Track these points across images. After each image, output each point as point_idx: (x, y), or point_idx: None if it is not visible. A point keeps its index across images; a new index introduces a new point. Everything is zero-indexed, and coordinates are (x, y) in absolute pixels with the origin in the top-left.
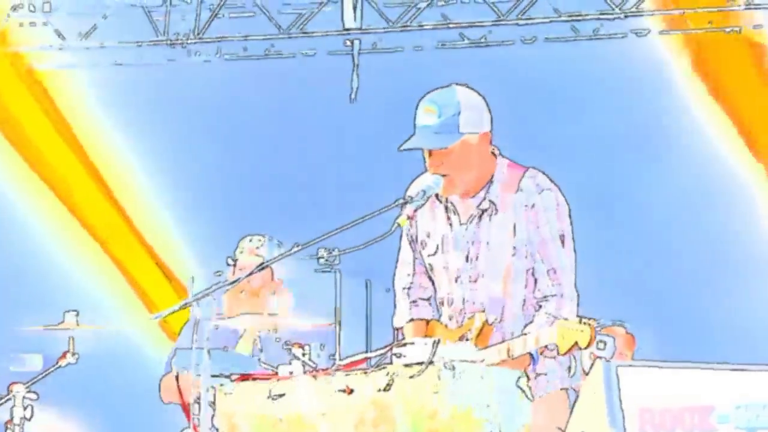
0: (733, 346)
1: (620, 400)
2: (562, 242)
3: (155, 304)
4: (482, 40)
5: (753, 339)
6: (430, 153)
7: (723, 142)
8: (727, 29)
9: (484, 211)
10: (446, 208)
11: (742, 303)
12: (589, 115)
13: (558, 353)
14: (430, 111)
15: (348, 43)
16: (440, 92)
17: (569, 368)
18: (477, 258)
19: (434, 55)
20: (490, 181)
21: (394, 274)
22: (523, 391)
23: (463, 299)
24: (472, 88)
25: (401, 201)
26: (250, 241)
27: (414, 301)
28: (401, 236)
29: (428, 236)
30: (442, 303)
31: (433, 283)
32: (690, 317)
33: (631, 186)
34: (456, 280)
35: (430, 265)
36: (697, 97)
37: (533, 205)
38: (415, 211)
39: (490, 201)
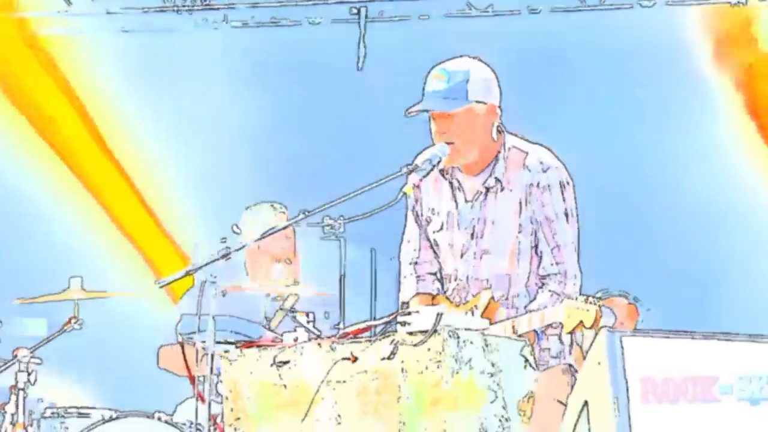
0: (741, 319)
1: (624, 370)
2: (567, 220)
3: (160, 270)
4: (488, 10)
5: (760, 312)
6: (436, 120)
7: (732, 115)
8: (733, 1)
9: (489, 188)
10: (451, 184)
11: (750, 277)
12: (595, 87)
13: (562, 332)
14: (439, 77)
15: (354, 11)
16: (452, 61)
17: (571, 344)
18: (482, 236)
19: (440, 24)
20: (496, 159)
21: (400, 248)
22: (527, 360)
23: (467, 276)
24: (485, 62)
25: (406, 169)
26: (273, 207)
27: (420, 276)
28: (407, 211)
29: (433, 213)
30: (447, 279)
31: (438, 259)
32: (698, 292)
33: (637, 158)
34: (461, 257)
35: (435, 240)
36: (705, 68)
37: (538, 183)
38: (421, 179)
39: (495, 178)
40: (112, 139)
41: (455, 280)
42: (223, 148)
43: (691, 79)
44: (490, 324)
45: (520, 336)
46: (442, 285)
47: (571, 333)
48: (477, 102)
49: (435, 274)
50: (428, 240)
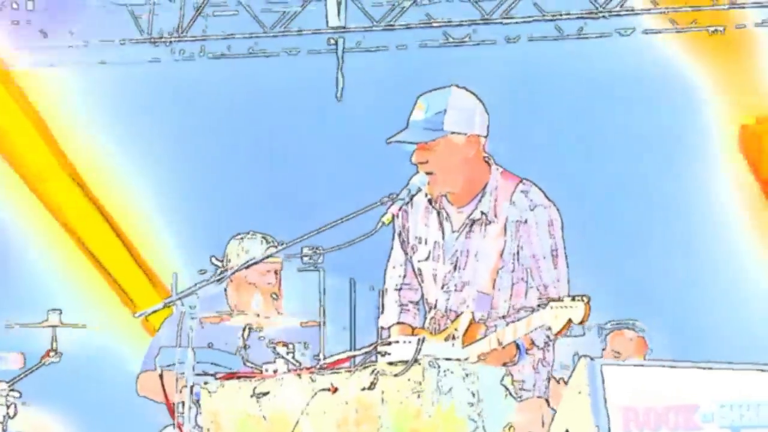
0: (739, 346)
1: (605, 399)
2: (554, 258)
3: (136, 303)
4: (466, 39)
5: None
6: (417, 150)
7: (712, 141)
8: (711, 29)
9: (475, 221)
10: (439, 215)
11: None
12: (574, 115)
13: (553, 333)
14: (420, 107)
15: (332, 41)
16: (436, 91)
17: (548, 379)
18: (464, 267)
19: (418, 54)
20: (483, 191)
21: (385, 272)
22: (508, 389)
23: (446, 307)
24: (473, 93)
25: (386, 199)
26: (265, 239)
27: (404, 304)
28: (393, 236)
29: (419, 242)
30: (428, 308)
31: (421, 286)
32: (698, 318)
33: (617, 185)
34: (443, 288)
35: (419, 269)
36: (683, 95)
37: (525, 221)
38: (400, 209)
39: (481, 212)
40: (88, 172)
41: (435, 308)
42: (201, 179)
43: (671, 105)
44: (474, 341)
45: (504, 347)
46: (425, 315)
47: (559, 334)
48: (454, 133)
49: (417, 303)
50: (413, 267)
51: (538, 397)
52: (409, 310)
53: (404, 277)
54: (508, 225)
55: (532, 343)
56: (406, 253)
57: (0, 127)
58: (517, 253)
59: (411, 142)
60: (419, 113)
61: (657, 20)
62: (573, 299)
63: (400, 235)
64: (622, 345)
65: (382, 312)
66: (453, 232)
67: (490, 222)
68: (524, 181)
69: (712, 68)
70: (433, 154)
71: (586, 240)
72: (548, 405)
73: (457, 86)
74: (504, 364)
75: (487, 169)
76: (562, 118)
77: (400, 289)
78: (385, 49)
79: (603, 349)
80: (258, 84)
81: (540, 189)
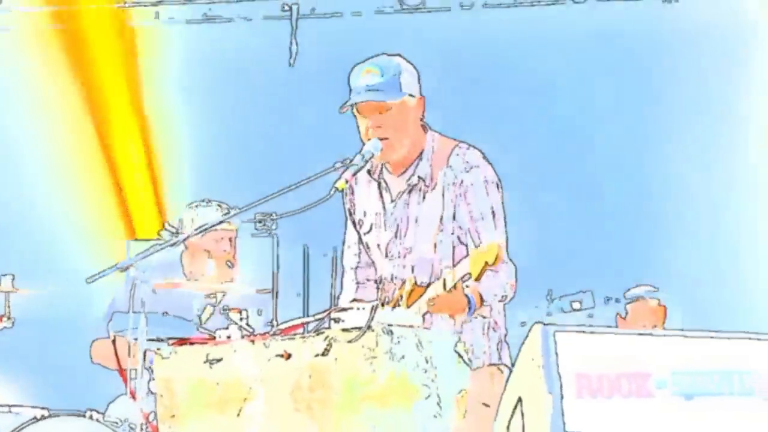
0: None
1: (557, 365)
2: (493, 219)
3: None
4: (420, 6)
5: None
6: (369, 116)
7: (677, 105)
8: None
9: (413, 186)
10: (379, 185)
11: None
12: (529, 83)
13: (473, 279)
14: (371, 71)
15: (286, 7)
16: (378, 58)
17: (498, 343)
18: (405, 234)
19: (372, 21)
20: (420, 157)
21: (342, 253)
22: (461, 356)
23: (393, 275)
24: (406, 59)
25: (339, 164)
26: (219, 206)
27: (361, 282)
28: (346, 218)
29: (364, 215)
30: (379, 281)
31: (374, 262)
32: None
33: (573, 155)
34: (387, 256)
35: (367, 243)
36: (638, 61)
37: (461, 182)
38: (353, 174)
39: (418, 177)
40: (42, 124)
41: (385, 280)
42: (154, 145)
43: (626, 74)
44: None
45: (450, 291)
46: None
47: (478, 279)
48: (409, 95)
49: (376, 281)
50: (363, 243)
51: (490, 364)
52: (366, 287)
53: (359, 255)
54: (446, 188)
55: (482, 299)
56: (358, 232)
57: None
58: (455, 215)
59: (371, 103)
60: (372, 77)
61: None
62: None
63: (350, 214)
64: (645, 315)
65: (341, 292)
66: (392, 201)
67: (428, 186)
68: (460, 144)
69: (664, 36)
70: (388, 117)
71: (581, 211)
72: (500, 372)
73: (387, 54)
74: (455, 315)
75: (424, 134)
76: (517, 85)
77: (356, 268)
78: (339, 15)
79: (624, 318)
80: (212, 50)
81: (478, 150)
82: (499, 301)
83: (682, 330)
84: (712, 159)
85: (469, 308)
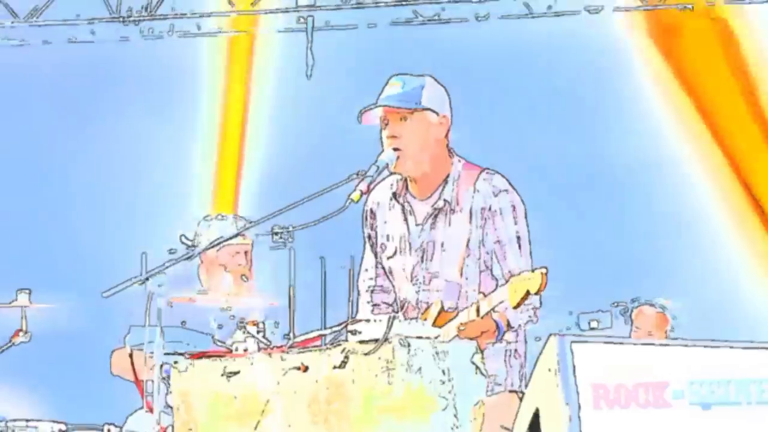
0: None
1: (574, 376)
2: (519, 244)
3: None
4: (435, 17)
5: None
6: (389, 124)
7: (678, 119)
8: (679, 6)
9: (438, 210)
10: (403, 208)
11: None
12: (544, 94)
13: (511, 306)
14: (394, 84)
15: (302, 20)
16: (410, 75)
17: (520, 370)
18: (431, 259)
19: (388, 33)
20: (445, 181)
21: (358, 274)
22: (478, 368)
23: (418, 299)
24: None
25: (354, 176)
26: (235, 220)
27: (377, 304)
28: (364, 238)
29: (387, 239)
30: (401, 305)
31: (393, 286)
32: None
33: (588, 165)
34: (412, 281)
35: (389, 267)
36: (652, 75)
37: (489, 207)
38: (369, 185)
39: (444, 200)
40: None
41: (407, 303)
42: (172, 157)
43: (639, 84)
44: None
45: (482, 317)
46: (399, 312)
47: (518, 306)
48: (430, 110)
49: (391, 305)
50: (383, 267)
51: (510, 391)
52: (381, 310)
53: (375, 279)
54: (473, 213)
55: (509, 324)
56: (376, 255)
57: None
58: (483, 240)
59: (390, 108)
60: (394, 89)
61: None
62: (532, 271)
63: (369, 237)
64: (642, 321)
65: (356, 314)
66: (417, 224)
67: (453, 211)
68: (487, 169)
69: (680, 45)
70: (406, 128)
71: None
72: (519, 399)
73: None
74: (483, 340)
75: (450, 159)
76: (532, 96)
77: (372, 291)
78: (354, 27)
79: (631, 328)
80: (228, 62)
81: (503, 176)
82: (524, 325)
83: (700, 340)
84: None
85: (498, 333)
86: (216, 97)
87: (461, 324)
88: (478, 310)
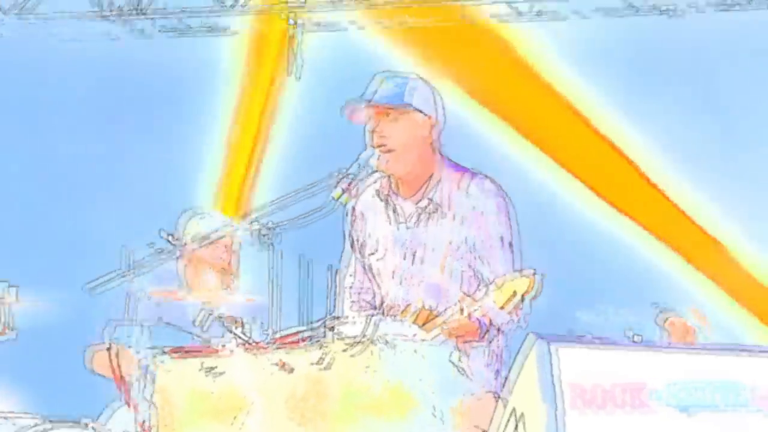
0: None
1: (553, 377)
2: (502, 245)
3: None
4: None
5: None
6: (376, 123)
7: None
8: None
9: (423, 210)
10: (387, 207)
11: None
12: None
13: (497, 307)
14: (381, 80)
15: (291, 19)
16: (395, 74)
17: (497, 371)
18: (415, 257)
19: (380, 34)
20: (430, 180)
21: (338, 273)
22: (456, 367)
23: (400, 298)
24: (427, 82)
25: (336, 174)
26: (221, 216)
27: (361, 305)
28: (346, 237)
29: (370, 237)
30: (382, 304)
31: (376, 285)
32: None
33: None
34: (395, 280)
35: (372, 266)
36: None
37: (476, 210)
38: (350, 184)
39: (429, 199)
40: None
41: (390, 302)
42: (156, 154)
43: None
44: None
45: (468, 316)
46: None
47: (504, 306)
48: (417, 110)
49: (370, 302)
50: (364, 267)
51: (488, 391)
52: (363, 308)
53: (354, 276)
54: (458, 213)
55: (491, 323)
56: (360, 254)
57: None
58: (467, 240)
59: (377, 106)
60: (383, 87)
61: None
62: (520, 272)
63: (350, 235)
64: (670, 329)
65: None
66: (402, 223)
67: (438, 211)
68: (476, 172)
69: None
70: (392, 127)
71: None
72: (496, 401)
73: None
74: (466, 339)
75: (436, 159)
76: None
77: (354, 290)
78: (344, 29)
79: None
80: (214, 61)
81: (493, 181)
82: (507, 324)
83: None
84: None
85: (480, 332)
86: (205, 97)
87: (444, 323)
88: (462, 310)
